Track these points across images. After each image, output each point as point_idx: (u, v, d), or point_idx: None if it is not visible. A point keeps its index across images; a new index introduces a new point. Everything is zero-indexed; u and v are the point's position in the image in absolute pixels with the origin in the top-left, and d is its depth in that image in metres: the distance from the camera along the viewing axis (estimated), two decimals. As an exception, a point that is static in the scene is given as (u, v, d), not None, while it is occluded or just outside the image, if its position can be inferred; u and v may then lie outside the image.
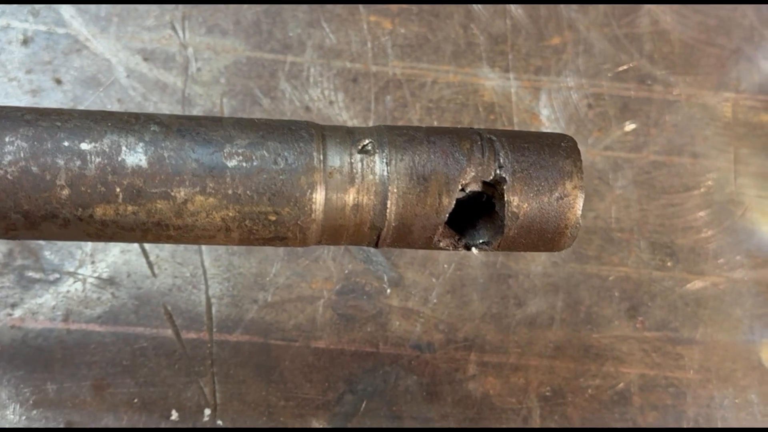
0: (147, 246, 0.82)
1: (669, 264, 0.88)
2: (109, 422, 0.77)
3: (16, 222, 0.54)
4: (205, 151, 0.55)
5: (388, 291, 0.84)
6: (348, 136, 0.58)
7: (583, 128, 0.92)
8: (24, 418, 0.77)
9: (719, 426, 0.85)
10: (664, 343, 0.86)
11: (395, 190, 0.56)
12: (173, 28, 0.89)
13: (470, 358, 0.83)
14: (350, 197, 0.56)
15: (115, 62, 0.87)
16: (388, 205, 0.56)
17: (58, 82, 0.86)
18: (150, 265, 0.82)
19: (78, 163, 0.53)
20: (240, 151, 0.55)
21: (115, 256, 0.81)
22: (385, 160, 0.56)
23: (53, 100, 0.85)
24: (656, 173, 0.91)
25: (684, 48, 0.96)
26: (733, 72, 0.96)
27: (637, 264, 0.88)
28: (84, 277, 0.81)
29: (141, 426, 0.78)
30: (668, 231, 0.89)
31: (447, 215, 0.57)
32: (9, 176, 0.52)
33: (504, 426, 0.82)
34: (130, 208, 0.54)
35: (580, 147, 0.90)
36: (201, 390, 0.79)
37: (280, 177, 0.55)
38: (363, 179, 0.56)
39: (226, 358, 0.80)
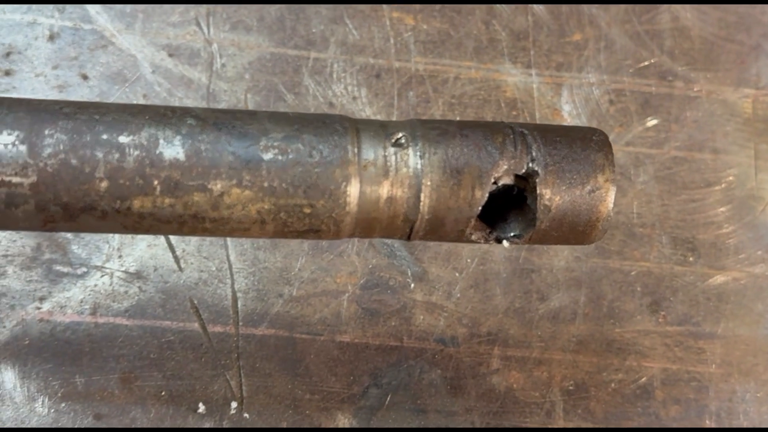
0: (173, 240, 0.83)
1: (690, 259, 0.89)
2: (137, 415, 0.78)
3: (54, 214, 0.54)
4: (241, 144, 0.55)
5: (412, 285, 0.85)
6: (381, 129, 0.58)
7: (604, 124, 0.92)
8: (53, 410, 0.77)
9: (741, 421, 0.85)
10: (686, 338, 0.87)
11: (429, 183, 0.57)
12: (198, 25, 0.89)
13: (494, 352, 0.84)
14: (384, 190, 0.56)
15: (141, 58, 0.88)
16: (422, 198, 0.57)
17: (85, 77, 0.86)
18: (176, 259, 0.82)
19: (117, 155, 0.54)
20: (275, 144, 0.56)
21: (141, 251, 0.82)
22: (418, 153, 0.57)
23: (79, 95, 0.85)
24: (677, 169, 0.91)
25: (704, 44, 0.96)
26: (753, 68, 0.96)
27: (659, 259, 0.88)
28: (111, 271, 0.81)
29: (169, 418, 0.78)
30: (689, 226, 0.90)
31: (480, 208, 0.57)
32: (49, 168, 0.53)
33: (527, 420, 0.83)
34: (167, 200, 0.55)
35: (601, 143, 0.91)
36: (227, 383, 0.80)
37: (315, 170, 0.56)
38: (397, 172, 0.57)
39: (252, 352, 0.81)
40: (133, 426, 0.78)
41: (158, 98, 0.86)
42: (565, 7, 0.95)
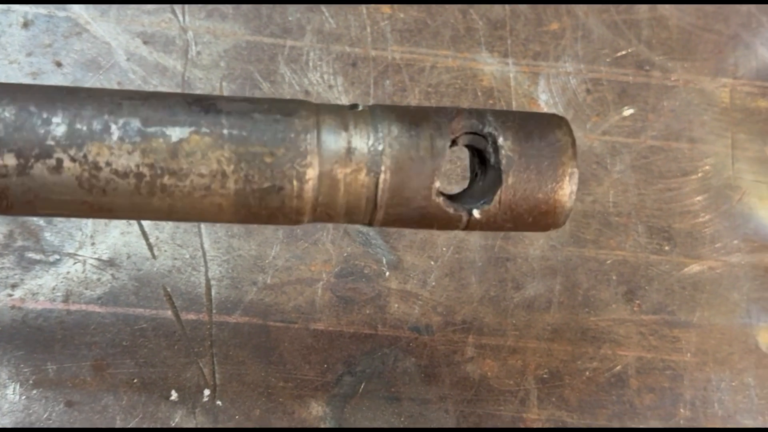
0: (147, 227, 0.82)
1: (666, 248, 0.89)
2: (108, 402, 0.78)
3: (8, 166, 0.53)
4: (200, 100, 0.55)
5: (387, 274, 0.85)
6: (340, 106, 0.59)
7: (581, 113, 0.92)
8: (24, 397, 0.77)
9: (715, 410, 0.85)
10: (661, 327, 0.87)
11: (388, 132, 0.56)
12: (173, 12, 0.89)
13: (468, 340, 0.84)
14: (344, 141, 0.56)
15: (115, 45, 0.87)
16: (383, 147, 0.56)
17: (59, 65, 0.86)
18: (150, 246, 0.82)
19: (75, 104, 0.54)
20: (233, 104, 0.56)
21: (115, 238, 0.82)
22: (376, 111, 0.57)
23: (53, 82, 0.85)
24: (654, 158, 0.91)
25: (682, 34, 0.96)
26: (731, 58, 0.96)
27: (635, 248, 0.88)
28: (84, 259, 0.81)
29: (141, 406, 0.78)
30: (666, 215, 0.90)
31: (442, 160, 0.57)
32: (6, 113, 0.53)
33: (501, 409, 0.82)
34: (125, 146, 0.54)
35: (578, 132, 0.91)
36: (200, 370, 0.80)
37: (274, 120, 0.55)
38: (356, 125, 0.56)
39: (225, 340, 0.81)
40: (105, 412, 0.77)
41: (133, 85, 0.86)
42: (542, -4, 0.95)
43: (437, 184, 0.57)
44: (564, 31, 0.95)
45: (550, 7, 0.95)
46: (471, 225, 0.59)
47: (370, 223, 0.60)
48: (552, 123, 0.59)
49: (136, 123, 0.54)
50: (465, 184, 0.61)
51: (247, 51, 0.89)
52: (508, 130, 0.58)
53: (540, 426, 0.83)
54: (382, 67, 0.91)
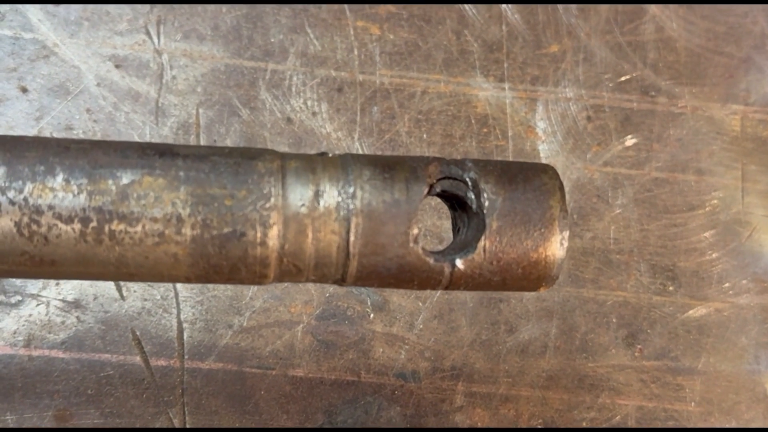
0: (115, 267, 0.77)
1: (670, 288, 0.83)
2: (71, 456, 0.73)
3: None
4: (155, 146, 0.51)
5: (372, 316, 0.80)
6: (308, 154, 0.54)
7: (581, 142, 0.86)
8: (-19, 450, 0.72)
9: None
10: (664, 373, 0.81)
11: (359, 175, 0.51)
12: (147, 33, 0.84)
13: (457, 388, 0.79)
14: (312, 183, 0.51)
15: (85, 69, 0.82)
16: (353, 191, 0.51)
17: (24, 90, 0.81)
18: (118, 286, 0.77)
19: (17, 146, 0.49)
20: (191, 149, 0.51)
21: (81, 278, 0.77)
22: (348, 157, 0.52)
23: (18, 109, 0.80)
24: (658, 191, 0.86)
25: (690, 57, 0.91)
26: (743, 83, 0.91)
27: (637, 288, 0.83)
28: (48, 300, 0.76)
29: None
30: (670, 253, 0.84)
31: (419, 204, 0.51)
32: None
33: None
34: (70, 188, 0.49)
35: (578, 162, 0.85)
36: (170, 421, 0.75)
37: (235, 163, 0.51)
38: (324, 168, 0.51)
39: (197, 387, 0.76)
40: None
41: (103, 113, 0.81)
42: (542, 16, 0.89)
43: (415, 230, 0.51)
44: (564, 53, 0.89)
45: (550, 28, 0.89)
46: (455, 279, 0.54)
47: (342, 279, 0.54)
48: (537, 168, 0.53)
49: (83, 164, 0.49)
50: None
51: (225, 75, 0.84)
52: (490, 174, 0.53)
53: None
54: (369, 93, 0.85)
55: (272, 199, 0.50)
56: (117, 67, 0.83)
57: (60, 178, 0.49)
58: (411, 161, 0.53)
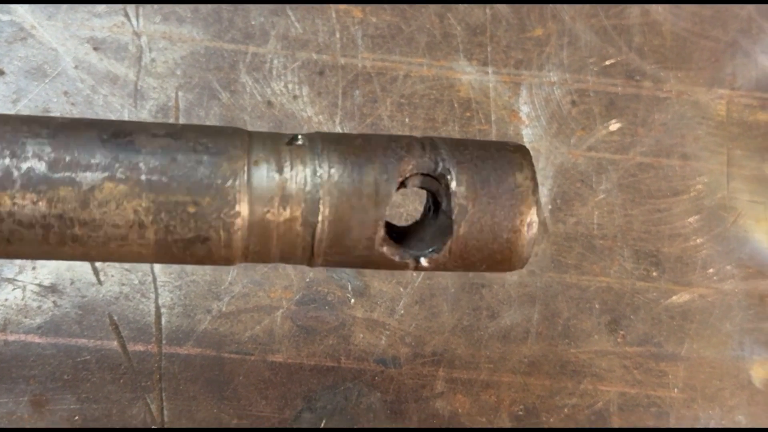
0: (92, 251, 0.76)
1: (654, 274, 0.83)
2: (46, 442, 0.72)
3: None
4: (116, 135, 0.49)
5: (352, 301, 0.79)
6: (277, 135, 0.52)
7: (565, 127, 0.85)
8: (-44, 435, 0.71)
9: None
10: (647, 360, 0.81)
11: (326, 177, 0.50)
12: (126, 15, 0.83)
13: (438, 373, 0.78)
14: (277, 187, 0.50)
15: (63, 52, 0.81)
16: (321, 195, 0.50)
17: (1, 73, 0.80)
18: (96, 271, 0.76)
19: None
20: (155, 140, 0.49)
21: (57, 262, 0.76)
22: (317, 149, 0.51)
23: (-6, 92, 0.79)
24: (643, 176, 0.85)
25: (676, 41, 0.90)
26: (729, 67, 0.90)
27: (620, 274, 0.82)
28: (24, 284, 0.75)
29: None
30: (654, 238, 0.84)
31: (387, 208, 0.51)
32: None
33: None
34: (29, 196, 0.48)
35: (562, 147, 0.84)
36: (147, 407, 0.74)
37: (198, 162, 0.49)
38: (293, 166, 0.50)
39: (175, 373, 0.75)
40: None
41: (81, 95, 0.80)
42: None
43: (381, 233, 0.51)
44: (549, 37, 0.88)
45: (534, 12, 0.88)
46: (419, 269, 0.54)
47: (309, 265, 0.54)
48: (513, 163, 0.52)
49: (41, 168, 0.48)
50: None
51: (205, 58, 0.83)
52: (463, 172, 0.52)
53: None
54: (351, 76, 0.84)
55: (237, 206, 0.49)
56: (95, 49, 0.82)
57: (18, 184, 0.48)
58: (384, 155, 0.52)
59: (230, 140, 0.50)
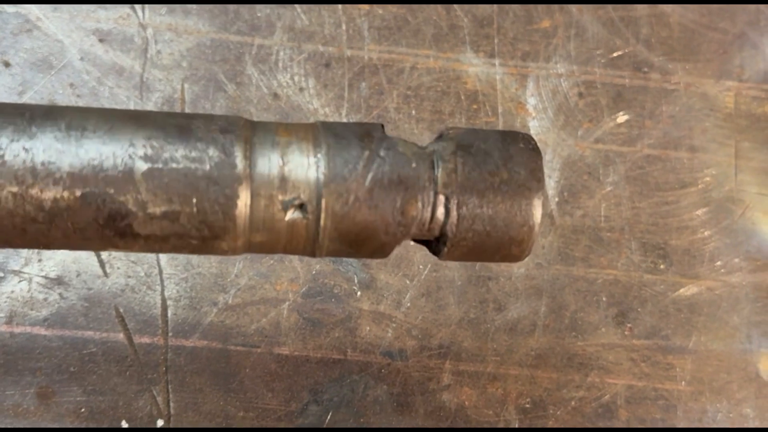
0: (98, 243, 0.76)
1: (662, 267, 0.82)
2: (53, 434, 0.72)
3: None
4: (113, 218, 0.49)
5: (359, 293, 0.79)
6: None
7: (572, 119, 0.85)
8: (-37, 427, 0.71)
9: (711, 441, 0.79)
10: (654, 352, 0.80)
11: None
12: (132, 7, 0.82)
13: (445, 366, 0.78)
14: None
15: (69, 43, 0.81)
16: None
17: (6, 64, 0.79)
18: (101, 263, 0.76)
19: None
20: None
21: (63, 254, 0.76)
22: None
23: (0, 84, 0.79)
24: (650, 168, 0.85)
25: (684, 32, 0.89)
26: (737, 59, 0.89)
27: (627, 266, 0.82)
28: (30, 276, 0.75)
29: (87, 438, 0.72)
30: (662, 231, 0.83)
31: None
32: None
33: (480, 439, 0.77)
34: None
35: (569, 139, 0.84)
36: (154, 399, 0.74)
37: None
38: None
39: (181, 365, 0.75)
40: None
41: (86, 87, 0.80)
42: (533, -9, 0.88)
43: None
44: (556, 29, 0.87)
45: (541, 3, 0.87)
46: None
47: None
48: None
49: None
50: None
51: (211, 50, 0.83)
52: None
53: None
54: (357, 68, 0.84)
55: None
56: (101, 41, 0.81)
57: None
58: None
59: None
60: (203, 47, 0.83)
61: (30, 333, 0.74)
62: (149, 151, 0.47)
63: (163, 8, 0.83)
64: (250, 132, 0.50)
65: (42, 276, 0.75)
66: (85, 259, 0.76)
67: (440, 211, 0.51)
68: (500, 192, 0.50)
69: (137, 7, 0.82)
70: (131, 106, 0.80)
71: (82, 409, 0.73)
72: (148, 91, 0.80)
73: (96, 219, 0.47)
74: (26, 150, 0.46)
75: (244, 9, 0.84)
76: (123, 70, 0.81)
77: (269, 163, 0.49)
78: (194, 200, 0.48)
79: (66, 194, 0.47)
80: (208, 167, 0.48)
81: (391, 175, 0.50)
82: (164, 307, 0.76)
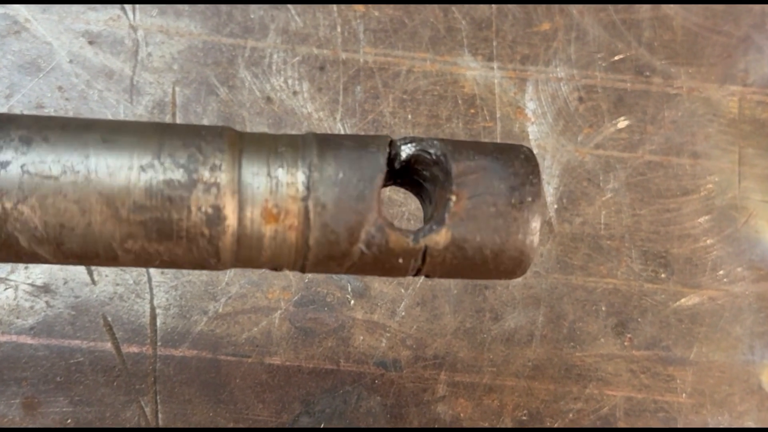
0: (86, 250, 0.75)
1: (662, 276, 0.81)
2: (38, 445, 0.71)
3: None
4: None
5: (352, 302, 0.77)
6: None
7: (572, 124, 0.83)
8: (-54, 438, 0.70)
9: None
10: (654, 364, 0.79)
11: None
12: (122, 8, 0.81)
13: (440, 377, 0.76)
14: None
15: (57, 46, 0.79)
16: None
17: (-6, 67, 0.78)
18: (89, 271, 0.75)
19: None
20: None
21: (50, 261, 0.74)
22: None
23: (-13, 87, 0.77)
24: (652, 175, 0.83)
25: (687, 35, 0.87)
26: (741, 63, 0.87)
27: (628, 275, 0.80)
28: (16, 284, 0.73)
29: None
30: (663, 239, 0.81)
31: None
32: None
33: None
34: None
35: (568, 144, 0.82)
36: (142, 410, 0.72)
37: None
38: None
39: (170, 375, 0.73)
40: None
41: (75, 90, 0.78)
42: (533, -7, 0.86)
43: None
44: (556, 31, 0.86)
45: (541, 6, 0.86)
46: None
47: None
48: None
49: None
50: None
51: (203, 52, 0.81)
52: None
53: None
54: (353, 72, 0.82)
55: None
56: (90, 43, 0.80)
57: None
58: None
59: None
60: (195, 50, 0.81)
61: (15, 342, 0.72)
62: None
63: (154, 10, 0.81)
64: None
65: (28, 284, 0.74)
66: (73, 267, 0.74)
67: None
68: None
69: (128, 8, 0.81)
70: (121, 110, 0.78)
71: (69, 420, 0.71)
72: (138, 95, 0.79)
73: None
74: None
75: (237, 11, 0.82)
76: (113, 73, 0.79)
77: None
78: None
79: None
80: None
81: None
82: (153, 316, 0.74)
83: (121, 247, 0.47)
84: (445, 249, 0.50)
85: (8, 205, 0.45)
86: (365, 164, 0.48)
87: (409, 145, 0.50)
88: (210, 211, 0.47)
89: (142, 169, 0.46)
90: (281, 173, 0.48)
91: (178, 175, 0.46)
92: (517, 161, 0.50)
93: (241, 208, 0.47)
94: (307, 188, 0.47)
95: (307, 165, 0.48)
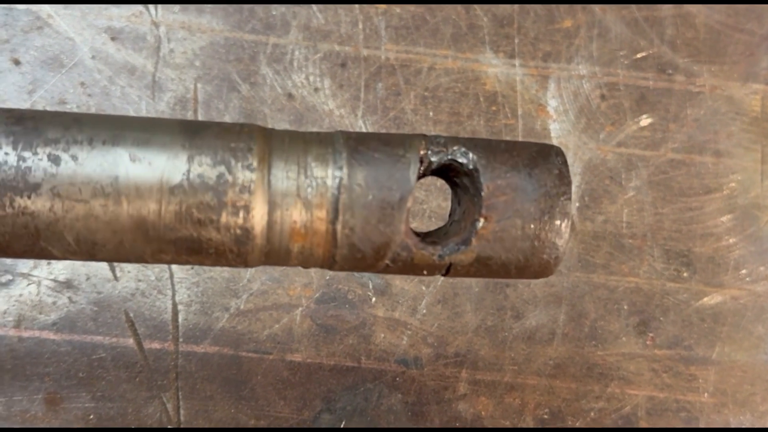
0: (108, 246, 0.75)
1: (685, 275, 0.80)
2: (61, 441, 0.71)
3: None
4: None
5: (373, 300, 0.77)
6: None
7: (594, 122, 0.83)
8: (-31, 433, 0.70)
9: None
10: (676, 363, 0.78)
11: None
12: (145, 5, 0.81)
13: (461, 375, 0.76)
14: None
15: (80, 41, 0.79)
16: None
17: (17, 62, 0.78)
18: (112, 267, 0.75)
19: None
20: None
21: (73, 257, 0.74)
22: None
23: (10, 82, 0.77)
24: (674, 173, 0.82)
25: (710, 33, 0.87)
26: (764, 61, 0.87)
27: (650, 274, 0.80)
28: (39, 280, 0.74)
29: (95, 446, 0.71)
30: (685, 238, 0.81)
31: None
32: None
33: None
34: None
35: (590, 142, 0.82)
36: (164, 406, 0.72)
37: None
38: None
39: (192, 371, 0.73)
40: None
41: (98, 87, 0.78)
42: (555, -10, 0.86)
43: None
44: (578, 29, 0.85)
45: (564, 3, 0.85)
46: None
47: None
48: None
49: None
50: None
51: (225, 49, 0.81)
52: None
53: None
54: (374, 68, 0.82)
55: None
56: (113, 39, 0.80)
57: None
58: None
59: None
60: (217, 46, 0.81)
61: (38, 337, 0.73)
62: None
63: (176, 6, 0.81)
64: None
65: (51, 279, 0.74)
66: (95, 263, 0.74)
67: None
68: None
69: (150, 4, 0.81)
70: (143, 106, 0.78)
71: (91, 416, 0.72)
72: (160, 91, 0.79)
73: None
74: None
75: (258, 7, 0.82)
76: (135, 69, 0.79)
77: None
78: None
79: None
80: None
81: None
82: (175, 312, 0.74)
83: (152, 257, 0.48)
84: (469, 265, 0.50)
85: (41, 225, 0.46)
86: (395, 185, 0.48)
87: (440, 155, 0.50)
88: (239, 232, 0.47)
89: (172, 192, 0.46)
90: (310, 193, 0.48)
91: (208, 198, 0.46)
92: (549, 179, 0.49)
93: (269, 228, 0.47)
94: (336, 209, 0.47)
95: (336, 186, 0.48)
